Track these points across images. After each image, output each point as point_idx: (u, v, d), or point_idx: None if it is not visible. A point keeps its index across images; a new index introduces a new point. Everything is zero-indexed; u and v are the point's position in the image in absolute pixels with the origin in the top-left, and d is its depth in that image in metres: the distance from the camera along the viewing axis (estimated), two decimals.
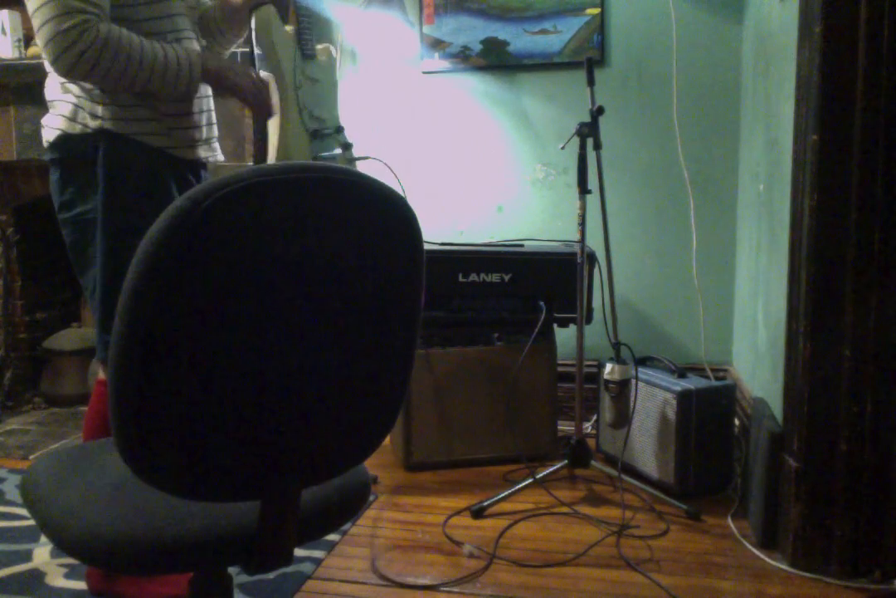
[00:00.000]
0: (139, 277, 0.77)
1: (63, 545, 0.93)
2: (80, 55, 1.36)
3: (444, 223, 2.84)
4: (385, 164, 2.07)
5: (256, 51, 1.69)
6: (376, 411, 0.99)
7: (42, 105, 1.56)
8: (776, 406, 1.87)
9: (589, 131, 2.04)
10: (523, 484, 2.11)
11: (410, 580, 1.69)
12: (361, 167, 1.83)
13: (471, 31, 2.75)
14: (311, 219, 0.85)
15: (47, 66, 1.48)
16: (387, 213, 0.92)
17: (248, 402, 0.85)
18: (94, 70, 1.38)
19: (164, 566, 0.93)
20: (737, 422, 2.21)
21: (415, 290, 0.97)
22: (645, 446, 2.19)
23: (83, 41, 1.35)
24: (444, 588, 1.65)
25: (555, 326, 2.39)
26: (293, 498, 0.94)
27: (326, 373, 0.90)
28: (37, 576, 1.71)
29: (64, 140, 1.50)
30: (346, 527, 1.92)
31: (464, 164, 2.83)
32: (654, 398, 2.15)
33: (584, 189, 2.07)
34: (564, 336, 2.48)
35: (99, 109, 1.47)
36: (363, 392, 0.96)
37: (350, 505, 1.07)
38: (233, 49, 1.81)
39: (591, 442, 2.27)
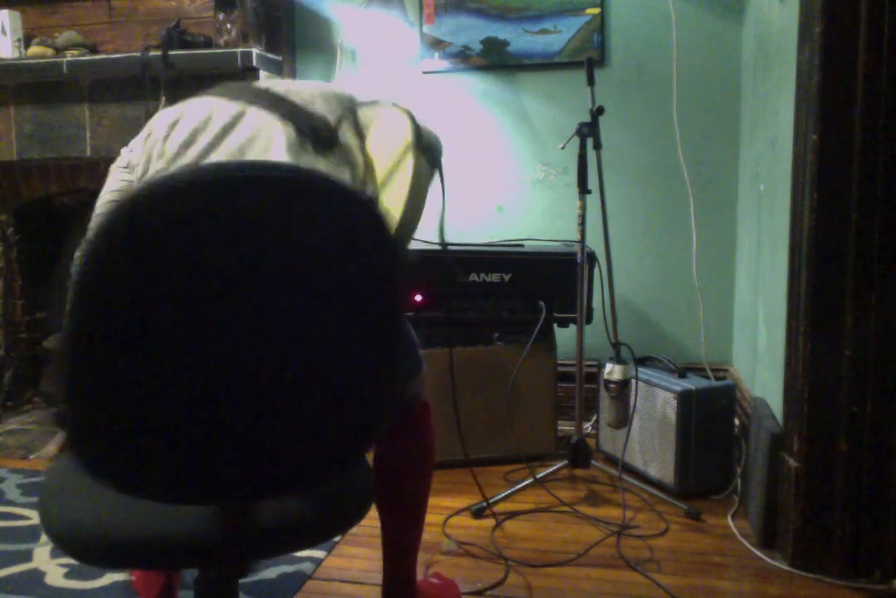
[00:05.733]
0: (84, 274, 0.77)
1: (48, 534, 0.97)
2: None
3: None
4: None
5: None
6: (347, 424, 0.94)
7: (42, 105, 1.55)
8: (776, 406, 1.87)
9: (589, 131, 2.04)
10: (523, 484, 2.11)
11: None
12: None
13: (471, 30, 2.75)
14: (252, 217, 0.83)
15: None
16: (338, 212, 0.88)
17: (196, 405, 0.84)
18: None
19: (123, 562, 0.96)
20: (737, 422, 2.21)
21: (384, 293, 0.92)
22: (645, 446, 2.19)
23: None
24: None
25: (555, 326, 2.39)
26: (247, 508, 0.93)
27: (282, 380, 0.87)
28: (37, 576, 1.71)
29: None
30: None
31: (464, 164, 2.83)
32: (654, 398, 2.15)
33: (584, 189, 2.07)
34: (564, 336, 2.48)
35: None
36: (328, 403, 0.91)
37: (338, 518, 1.03)
38: None
39: (591, 442, 2.27)
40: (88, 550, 0.93)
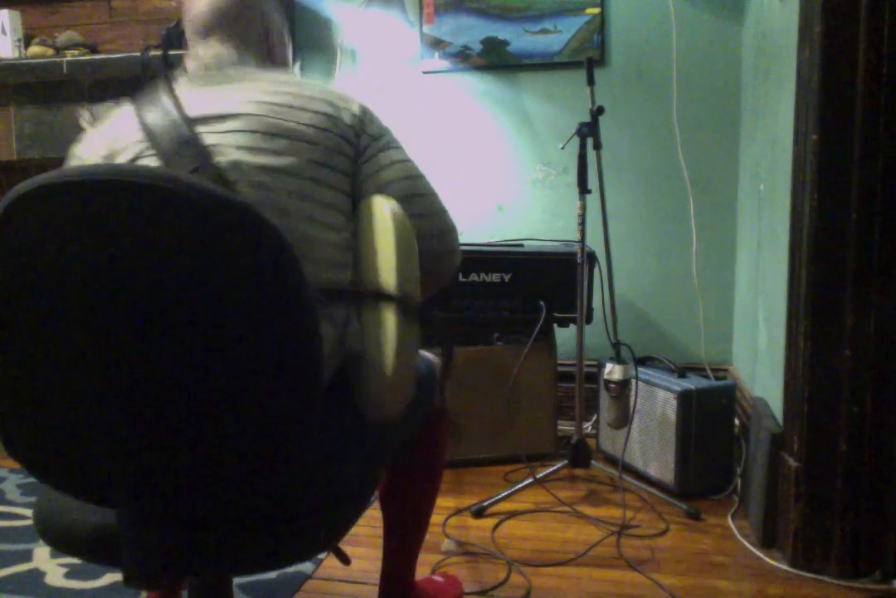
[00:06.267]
0: None
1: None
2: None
3: None
4: None
5: None
6: (242, 443, 0.86)
7: (42, 105, 1.56)
8: (776, 406, 1.87)
9: (589, 131, 2.04)
10: (523, 484, 2.11)
11: None
12: None
13: (471, 30, 2.75)
14: (102, 226, 0.79)
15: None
16: (203, 227, 0.80)
17: (64, 407, 0.86)
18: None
19: (57, 544, 1.00)
20: (737, 422, 2.21)
21: (274, 321, 0.83)
22: (645, 446, 2.19)
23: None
24: None
25: (555, 326, 2.39)
26: (140, 517, 0.92)
27: (159, 387, 0.84)
28: (37, 576, 1.71)
29: None
30: None
31: (464, 164, 2.82)
32: (654, 398, 2.15)
33: (584, 189, 2.07)
34: (564, 336, 2.48)
35: None
36: (214, 415, 0.85)
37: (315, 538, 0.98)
38: None
39: (591, 442, 2.27)
40: (43, 531, 1.01)
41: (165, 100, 1.09)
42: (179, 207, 0.78)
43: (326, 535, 1.00)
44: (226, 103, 1.09)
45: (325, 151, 1.08)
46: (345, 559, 1.13)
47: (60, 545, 0.99)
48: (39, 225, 0.80)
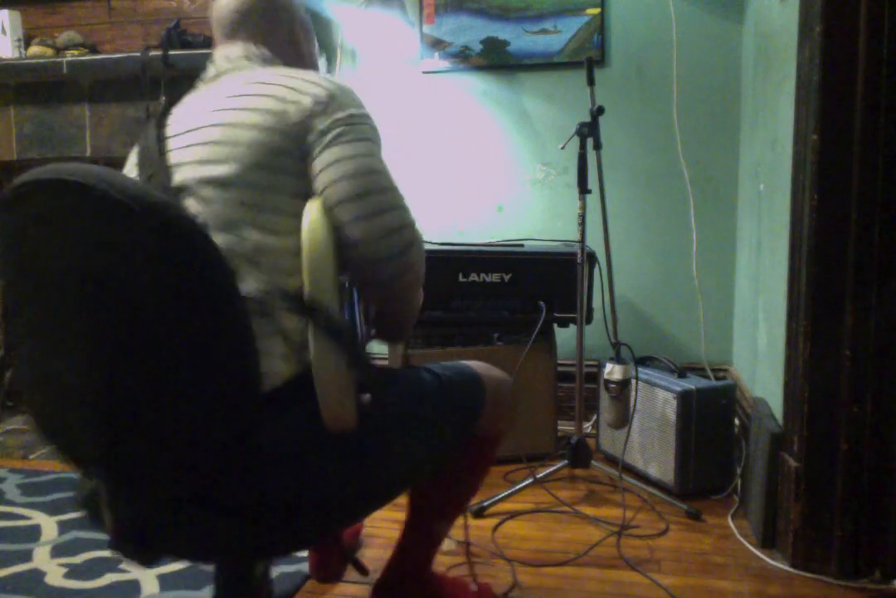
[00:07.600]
0: None
1: None
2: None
3: (444, 223, 2.84)
4: None
5: None
6: (189, 434, 0.90)
7: (42, 105, 1.55)
8: (776, 406, 1.87)
9: (589, 131, 2.04)
10: (523, 484, 2.11)
11: None
12: None
13: (471, 30, 2.75)
14: (50, 222, 0.88)
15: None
16: (119, 222, 0.84)
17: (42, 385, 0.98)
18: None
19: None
20: (737, 422, 2.21)
21: (195, 312, 0.86)
22: (645, 446, 2.19)
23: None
24: None
25: (555, 326, 2.39)
26: (109, 495, 0.95)
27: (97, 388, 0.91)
28: (37, 576, 1.71)
29: None
30: None
31: (464, 164, 2.82)
32: (654, 398, 2.15)
33: (584, 189, 2.07)
34: (564, 336, 2.48)
35: None
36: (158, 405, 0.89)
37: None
38: None
39: (591, 442, 2.27)
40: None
41: (151, 119, 1.13)
42: (100, 203, 0.83)
43: (307, 533, 1.02)
44: (198, 113, 1.08)
45: (267, 153, 1.02)
46: (362, 570, 1.12)
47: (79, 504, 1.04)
48: (15, 221, 0.89)
